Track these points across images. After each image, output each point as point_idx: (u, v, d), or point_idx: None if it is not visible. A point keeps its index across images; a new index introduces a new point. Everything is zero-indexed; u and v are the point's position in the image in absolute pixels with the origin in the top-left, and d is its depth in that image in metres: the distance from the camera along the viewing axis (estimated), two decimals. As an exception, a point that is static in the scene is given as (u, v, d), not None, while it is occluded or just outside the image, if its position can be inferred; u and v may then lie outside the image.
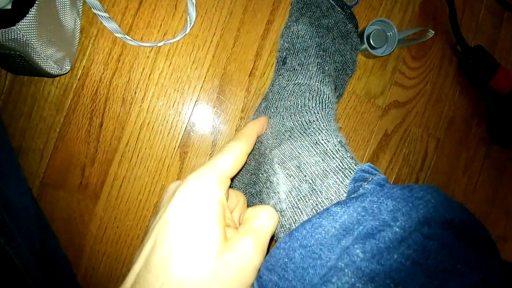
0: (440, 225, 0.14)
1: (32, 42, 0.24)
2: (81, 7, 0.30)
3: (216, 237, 0.16)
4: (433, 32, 0.38)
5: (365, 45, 0.38)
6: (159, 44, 0.32)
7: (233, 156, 0.20)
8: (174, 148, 0.34)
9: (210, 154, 0.35)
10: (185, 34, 0.33)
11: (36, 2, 0.23)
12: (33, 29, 0.23)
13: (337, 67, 0.34)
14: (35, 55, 0.25)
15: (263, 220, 0.19)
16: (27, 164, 0.32)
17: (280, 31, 0.35)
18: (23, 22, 0.23)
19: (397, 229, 0.14)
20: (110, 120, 0.32)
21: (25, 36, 0.23)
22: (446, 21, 0.43)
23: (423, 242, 0.14)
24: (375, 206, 0.16)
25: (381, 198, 0.16)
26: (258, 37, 0.35)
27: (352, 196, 0.18)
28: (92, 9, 0.30)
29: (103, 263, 0.34)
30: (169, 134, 0.34)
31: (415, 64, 0.42)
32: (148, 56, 0.33)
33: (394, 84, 0.41)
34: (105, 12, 0.31)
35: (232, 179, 0.21)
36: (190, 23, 0.32)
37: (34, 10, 0.23)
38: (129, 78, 0.32)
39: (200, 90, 0.34)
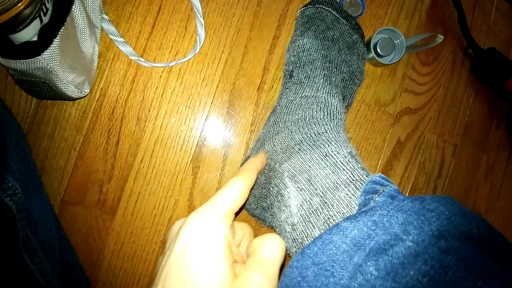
0: (457, 238, 0.14)
1: (55, 70, 0.26)
2: (99, 34, 0.32)
3: (224, 276, 0.16)
4: (442, 37, 0.37)
5: (372, 54, 0.38)
6: (171, 64, 0.34)
7: (236, 191, 0.20)
8: (187, 163, 0.35)
9: (221, 168, 0.36)
10: (195, 54, 0.34)
11: (59, 33, 0.25)
12: (56, 58, 0.25)
13: (344, 77, 0.34)
14: (58, 81, 0.27)
15: (270, 251, 0.19)
16: (49, 182, 0.33)
17: (286, 45, 0.36)
18: (47, 52, 0.25)
19: (410, 243, 0.14)
20: (126, 137, 0.34)
21: (49, 64, 0.25)
22: (456, 25, 0.42)
23: (441, 257, 0.13)
24: (385, 219, 0.16)
25: (391, 211, 0.16)
26: (265, 52, 0.36)
27: (362, 210, 0.18)
28: (109, 35, 0.33)
29: (119, 278, 0.34)
30: (182, 149, 0.35)
31: (426, 70, 0.42)
32: (160, 76, 0.34)
33: (404, 91, 0.41)
34: (120, 37, 0.33)
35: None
36: (200, 43, 0.34)
37: (57, 40, 0.25)
38: (143, 97, 0.34)
39: (210, 106, 0.35)
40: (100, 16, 0.32)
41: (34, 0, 0.23)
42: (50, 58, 0.25)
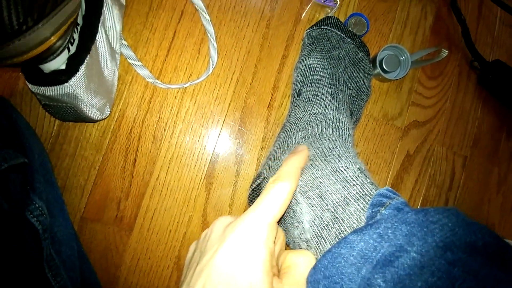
0: (463, 249, 0.14)
1: (81, 95, 0.28)
2: (118, 58, 0.34)
3: None
4: (446, 51, 0.38)
5: (378, 70, 0.39)
6: (185, 85, 0.35)
7: (282, 197, 0.19)
8: (200, 180, 0.36)
9: (234, 184, 0.37)
10: (208, 75, 0.36)
11: (85, 61, 0.27)
12: (82, 84, 0.27)
13: (351, 94, 0.35)
14: (83, 105, 0.29)
15: (305, 271, 0.19)
16: (69, 200, 0.35)
17: (294, 65, 0.37)
18: (74, 79, 0.26)
19: (415, 254, 0.15)
20: (142, 156, 0.35)
21: (76, 90, 0.27)
22: (460, 38, 0.43)
23: (448, 269, 0.14)
24: (390, 231, 0.16)
25: (396, 224, 0.17)
26: (274, 71, 0.38)
27: (369, 223, 0.18)
28: (128, 59, 0.35)
29: (136, 294, 0.35)
30: (196, 166, 0.36)
31: (432, 84, 0.42)
32: (175, 97, 0.36)
33: (411, 105, 0.41)
34: (138, 61, 0.35)
35: None
36: (213, 65, 0.35)
37: (83, 67, 0.27)
38: (159, 117, 0.36)
39: (223, 124, 0.37)
40: (119, 42, 0.34)
41: (64, 33, 0.25)
42: (76, 85, 0.27)
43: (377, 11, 0.41)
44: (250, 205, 0.33)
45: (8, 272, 0.22)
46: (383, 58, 0.39)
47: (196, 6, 0.35)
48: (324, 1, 0.37)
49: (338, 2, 0.37)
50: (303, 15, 0.39)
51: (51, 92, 0.27)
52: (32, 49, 0.21)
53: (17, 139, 0.26)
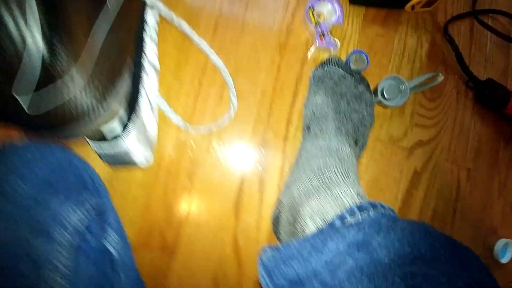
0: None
1: (131, 149, 0.34)
2: (156, 110, 0.41)
3: None
4: (442, 76, 0.42)
5: (380, 98, 0.43)
6: (213, 129, 0.41)
7: None
8: (229, 208, 0.41)
9: (258, 209, 0.42)
10: (231, 118, 0.41)
11: (134, 120, 0.33)
12: (132, 139, 0.33)
13: (354, 124, 0.39)
14: (133, 156, 0.35)
15: None
16: (121, 231, 0.41)
17: (303, 101, 0.43)
18: (126, 137, 0.33)
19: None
20: (180, 190, 0.41)
21: (127, 145, 0.33)
22: (455, 61, 0.47)
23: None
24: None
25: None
26: (287, 107, 0.43)
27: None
28: (163, 109, 0.41)
29: (181, 311, 0.40)
30: (224, 196, 0.42)
31: (432, 105, 0.46)
32: (204, 138, 0.42)
33: (415, 126, 0.46)
34: (171, 109, 0.41)
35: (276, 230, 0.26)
36: (233, 109, 0.41)
37: (132, 126, 0.33)
38: (191, 156, 0.41)
39: (245, 156, 0.42)
40: (156, 96, 0.40)
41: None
42: (128, 141, 0.33)
43: (375, 46, 0.46)
44: (274, 229, 0.39)
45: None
46: (384, 87, 0.43)
47: (215, 63, 0.42)
48: (326, 45, 0.42)
49: (339, 45, 0.43)
50: (308, 57, 0.44)
51: (106, 147, 0.33)
52: (106, 122, 0.28)
53: (92, 184, 0.33)
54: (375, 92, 0.44)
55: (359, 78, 0.42)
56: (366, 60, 0.43)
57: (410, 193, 0.44)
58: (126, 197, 0.41)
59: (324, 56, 0.44)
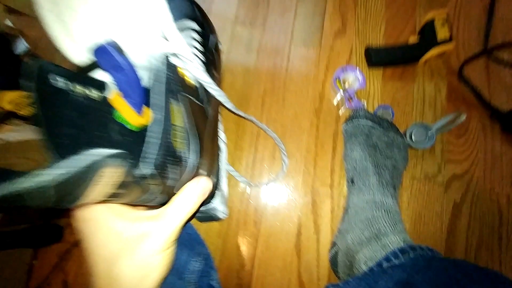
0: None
1: (218, 207, 0.45)
2: (225, 173, 0.52)
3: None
4: (464, 115, 0.48)
5: (409, 142, 0.50)
6: (270, 184, 0.51)
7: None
8: (291, 248, 0.50)
9: (317, 250, 0.49)
10: (284, 174, 0.51)
11: (220, 188, 0.44)
12: (219, 200, 0.44)
13: (390, 170, 0.46)
14: (218, 212, 0.46)
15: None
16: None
17: (342, 152, 0.51)
18: (214, 200, 0.44)
19: None
20: (248, 237, 0.51)
21: (214, 205, 0.44)
22: (475, 100, 0.53)
23: None
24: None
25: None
26: (329, 160, 0.52)
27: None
28: (230, 172, 0.52)
29: None
30: (286, 238, 0.50)
31: (460, 141, 0.52)
32: (263, 192, 0.52)
33: (447, 162, 0.51)
34: (236, 172, 0.52)
35: (335, 270, 0.34)
36: (285, 167, 0.51)
37: (219, 192, 0.44)
38: (255, 206, 0.51)
39: (299, 205, 0.51)
40: (225, 163, 0.52)
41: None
42: (216, 202, 0.44)
43: (397, 98, 0.53)
44: (333, 268, 0.46)
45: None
46: (412, 132, 0.50)
47: (267, 132, 0.53)
48: (354, 106, 0.51)
49: (365, 104, 0.51)
50: (340, 114, 0.53)
51: (201, 208, 0.44)
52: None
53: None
54: (404, 137, 0.51)
55: (387, 125, 0.49)
56: (391, 113, 0.51)
57: (454, 224, 0.49)
58: (207, 243, 0.51)
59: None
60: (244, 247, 0.51)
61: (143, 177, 0.18)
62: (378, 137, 0.48)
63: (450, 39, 0.52)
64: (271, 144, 0.53)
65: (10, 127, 0.39)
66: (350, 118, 0.50)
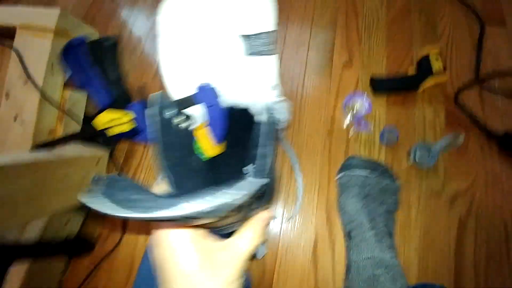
0: None
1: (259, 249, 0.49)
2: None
3: None
4: (462, 137, 0.53)
5: (413, 161, 0.55)
6: (291, 216, 0.55)
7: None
8: (309, 262, 0.52)
9: (332, 266, 0.52)
10: (300, 202, 0.56)
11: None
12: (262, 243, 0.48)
13: (384, 216, 0.47)
14: (258, 254, 0.49)
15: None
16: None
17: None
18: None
19: None
20: (269, 251, 0.54)
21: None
22: (473, 122, 0.58)
23: None
24: None
25: None
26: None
27: None
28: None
29: None
30: (302, 253, 0.53)
31: (461, 160, 0.56)
32: (284, 222, 0.56)
33: (449, 180, 0.55)
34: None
35: None
36: (300, 195, 0.55)
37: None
38: (280, 232, 0.55)
39: (316, 225, 0.55)
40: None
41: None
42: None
43: (400, 121, 0.59)
44: None
45: None
46: (415, 152, 0.55)
47: (291, 157, 0.58)
48: (362, 128, 0.57)
49: (372, 127, 0.57)
50: (350, 136, 0.59)
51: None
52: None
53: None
54: (408, 156, 0.56)
55: (382, 170, 0.51)
56: (396, 135, 0.57)
57: (461, 238, 0.52)
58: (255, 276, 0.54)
59: (362, 135, 0.59)
60: (265, 264, 0.54)
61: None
62: (372, 187, 0.50)
63: (444, 70, 0.59)
64: (290, 176, 0.58)
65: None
66: (344, 168, 0.53)
